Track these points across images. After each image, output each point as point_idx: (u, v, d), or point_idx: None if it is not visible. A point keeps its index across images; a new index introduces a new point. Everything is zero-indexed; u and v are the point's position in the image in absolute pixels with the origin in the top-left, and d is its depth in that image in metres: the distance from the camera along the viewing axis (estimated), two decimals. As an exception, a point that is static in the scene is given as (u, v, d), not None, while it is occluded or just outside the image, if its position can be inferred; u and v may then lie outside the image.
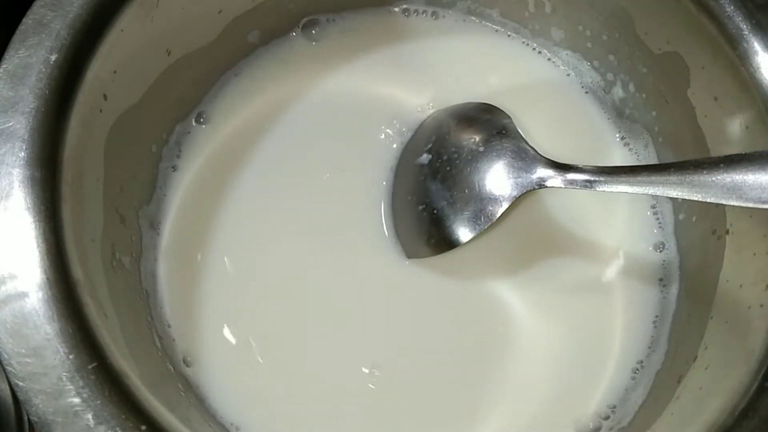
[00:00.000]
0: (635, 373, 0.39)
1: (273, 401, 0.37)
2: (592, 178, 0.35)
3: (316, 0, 0.43)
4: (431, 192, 0.39)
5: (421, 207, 0.40)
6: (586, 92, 0.45)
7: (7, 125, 0.28)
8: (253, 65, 0.43)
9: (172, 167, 0.40)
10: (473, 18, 0.46)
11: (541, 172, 0.37)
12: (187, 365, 0.37)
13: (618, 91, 0.44)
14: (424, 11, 0.45)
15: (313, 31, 0.44)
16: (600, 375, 0.39)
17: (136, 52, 0.34)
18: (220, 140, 0.41)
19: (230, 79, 0.43)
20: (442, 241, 0.39)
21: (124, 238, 0.36)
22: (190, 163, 0.41)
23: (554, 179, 0.36)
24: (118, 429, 0.26)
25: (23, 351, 0.26)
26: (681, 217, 0.41)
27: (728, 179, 0.30)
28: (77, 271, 0.28)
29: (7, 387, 0.35)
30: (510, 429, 0.37)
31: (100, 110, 0.32)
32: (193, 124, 0.42)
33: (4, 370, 0.26)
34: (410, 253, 0.40)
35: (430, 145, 0.41)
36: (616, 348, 0.40)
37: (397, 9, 0.45)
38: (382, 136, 0.42)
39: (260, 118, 0.42)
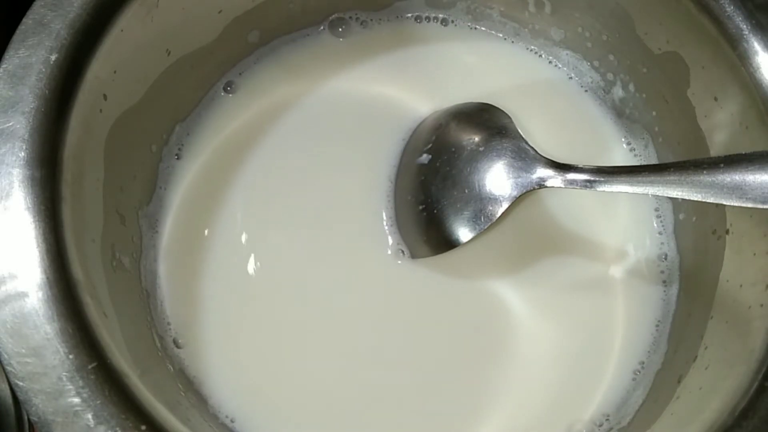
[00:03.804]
0: (636, 374, 0.39)
1: (273, 398, 0.37)
2: (592, 178, 0.35)
3: (317, 0, 0.43)
4: (431, 192, 0.39)
5: (421, 207, 0.40)
6: (586, 92, 0.45)
7: (7, 125, 0.28)
8: (253, 68, 0.43)
9: (172, 167, 0.40)
10: (480, 27, 0.46)
11: (541, 172, 0.37)
12: (187, 364, 0.37)
13: (618, 91, 0.44)
14: (435, 18, 0.45)
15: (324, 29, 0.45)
16: (601, 377, 0.39)
17: (136, 52, 0.34)
18: (222, 140, 0.41)
19: (234, 78, 0.43)
20: (443, 241, 0.39)
21: (124, 238, 0.36)
22: (191, 164, 0.41)
23: (554, 179, 0.36)
24: (118, 429, 0.26)
25: (23, 351, 0.26)
26: (681, 217, 0.41)
27: (728, 179, 0.30)
28: (77, 271, 0.28)
29: (7, 387, 0.35)
30: (508, 430, 0.37)
31: (100, 110, 0.32)
32: (194, 124, 0.41)
33: (4, 370, 0.26)
34: (411, 253, 0.40)
35: (430, 145, 0.41)
36: (617, 349, 0.40)
37: (409, 15, 0.45)
38: (388, 137, 0.42)
39: (264, 118, 0.42)
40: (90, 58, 0.31)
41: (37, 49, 0.30)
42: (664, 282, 0.41)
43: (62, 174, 0.29)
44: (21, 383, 0.26)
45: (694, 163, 0.31)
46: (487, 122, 0.40)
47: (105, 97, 0.32)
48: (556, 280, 0.40)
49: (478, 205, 0.38)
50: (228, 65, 0.43)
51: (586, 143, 0.44)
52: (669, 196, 0.33)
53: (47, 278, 0.27)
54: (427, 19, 0.46)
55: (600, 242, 0.42)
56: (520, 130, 0.39)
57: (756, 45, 0.35)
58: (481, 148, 0.39)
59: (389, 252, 0.40)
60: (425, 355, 0.38)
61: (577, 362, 0.39)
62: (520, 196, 0.37)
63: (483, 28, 0.46)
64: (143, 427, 0.26)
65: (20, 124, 0.28)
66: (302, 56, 0.44)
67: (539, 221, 0.42)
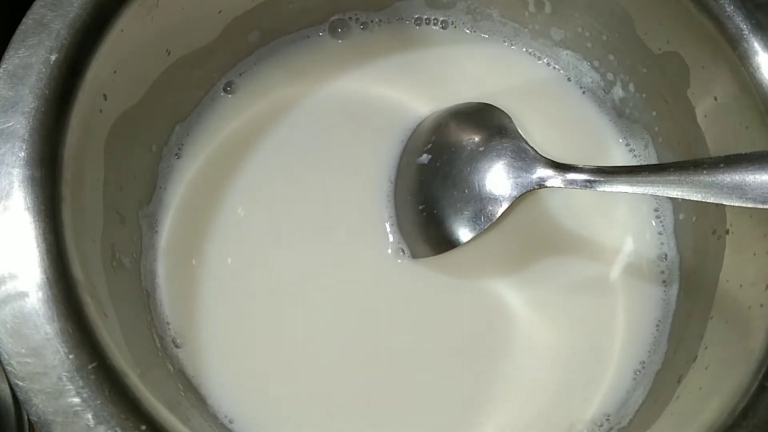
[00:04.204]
0: (636, 374, 0.39)
1: (272, 398, 0.37)
2: (592, 178, 0.35)
3: (317, 1, 0.43)
4: (431, 192, 0.39)
5: (421, 207, 0.40)
6: (586, 93, 0.45)
7: (7, 125, 0.28)
8: (254, 68, 0.43)
9: (172, 167, 0.40)
10: (479, 28, 0.46)
11: (541, 172, 0.37)
12: (186, 364, 0.37)
13: (618, 91, 0.44)
14: (435, 20, 0.45)
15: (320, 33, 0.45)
16: (601, 377, 0.39)
17: (136, 52, 0.34)
18: (222, 140, 0.41)
19: (234, 78, 0.43)
20: (443, 241, 0.39)
21: (124, 238, 0.36)
22: (191, 163, 0.41)
23: (554, 179, 0.36)
24: (118, 429, 0.26)
25: (23, 351, 0.26)
26: (681, 217, 0.41)
27: (728, 179, 0.30)
28: (77, 271, 0.28)
29: (7, 387, 0.35)
30: (508, 430, 0.37)
31: (100, 110, 0.32)
32: (194, 124, 0.42)
33: (4, 370, 0.26)
34: (411, 253, 0.40)
35: (429, 145, 0.41)
36: (617, 349, 0.40)
37: (409, 17, 0.45)
38: (388, 137, 0.42)
39: (264, 118, 0.42)
40: (90, 58, 0.31)
41: (37, 49, 0.30)
42: (664, 282, 0.41)
43: (62, 174, 0.29)
44: (21, 383, 0.26)
45: (694, 163, 0.31)
46: (487, 122, 0.40)
47: (105, 97, 0.32)
48: (556, 280, 0.40)
49: (478, 205, 0.38)
50: (228, 65, 0.43)
51: (585, 143, 0.44)
52: (669, 196, 0.33)
53: (47, 278, 0.27)
54: (427, 21, 0.46)
55: (600, 242, 0.42)
56: (519, 130, 0.39)
57: (756, 45, 0.35)
58: (481, 148, 0.39)
59: (389, 252, 0.40)
60: (425, 354, 0.38)
61: (577, 362, 0.39)
62: (520, 196, 0.37)
63: (483, 30, 0.46)
64: (143, 427, 0.26)
65: (20, 124, 0.28)
66: (302, 57, 0.44)
67: (539, 221, 0.42)
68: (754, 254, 0.34)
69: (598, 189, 0.35)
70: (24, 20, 0.30)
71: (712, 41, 0.36)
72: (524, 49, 0.46)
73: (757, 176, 0.30)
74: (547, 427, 0.38)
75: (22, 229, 0.27)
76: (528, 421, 0.38)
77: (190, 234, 0.39)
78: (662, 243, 0.42)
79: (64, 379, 0.26)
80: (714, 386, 0.32)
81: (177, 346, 0.37)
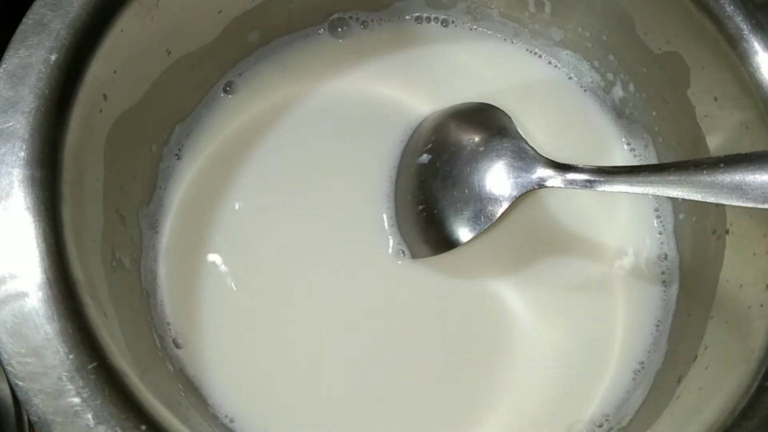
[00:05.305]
0: (636, 374, 0.39)
1: (272, 398, 0.37)
2: (592, 178, 0.35)
3: (317, 0, 0.43)
4: (431, 192, 0.39)
5: (421, 207, 0.40)
6: (586, 92, 0.45)
7: (7, 125, 0.28)
8: (253, 68, 0.43)
9: (173, 167, 0.40)
10: (480, 27, 0.46)
11: (541, 172, 0.37)
12: (187, 364, 0.37)
13: (618, 91, 0.44)
14: (435, 18, 0.45)
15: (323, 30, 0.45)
16: (601, 377, 0.39)
17: (136, 52, 0.34)
18: (221, 140, 0.41)
19: (234, 78, 0.43)
20: (442, 241, 0.39)
21: (124, 238, 0.36)
22: (191, 163, 0.41)
23: (554, 179, 0.36)
24: (118, 429, 0.26)
25: (23, 351, 0.26)
26: (681, 217, 0.41)
27: (728, 179, 0.30)
28: (77, 271, 0.28)
29: (7, 387, 0.35)
30: (508, 430, 0.37)
31: (100, 110, 0.32)
32: (194, 124, 0.41)
33: (4, 370, 0.26)
34: (411, 253, 0.40)
35: (430, 145, 0.41)
36: (617, 349, 0.40)
37: (409, 16, 0.45)
38: (388, 137, 0.42)
39: (264, 118, 0.42)
40: (90, 58, 0.31)
41: (37, 49, 0.30)
42: (664, 282, 0.41)
43: (62, 174, 0.29)
44: (21, 383, 0.26)
45: (694, 163, 0.31)
46: (487, 122, 0.40)
47: (105, 97, 0.32)
48: (556, 280, 0.40)
49: (478, 205, 0.38)
50: (228, 65, 0.43)
51: (586, 143, 0.44)
52: (669, 196, 0.33)
53: (47, 278, 0.27)
54: (428, 19, 0.46)
55: (600, 242, 0.42)
56: (519, 130, 0.39)
57: (756, 45, 0.35)
58: (481, 148, 0.39)
59: (390, 252, 0.40)
60: (425, 354, 0.38)
61: (577, 362, 0.39)
62: (520, 196, 0.37)
63: (483, 29, 0.46)
64: (143, 427, 0.26)
65: (20, 124, 0.28)
66: (302, 57, 0.44)
67: (539, 221, 0.42)
68: (754, 254, 0.34)
69: (598, 189, 0.35)
70: (24, 20, 0.30)
71: (712, 41, 0.36)
72: (525, 48, 0.46)
73: (757, 176, 0.30)
74: (547, 427, 0.38)
75: (22, 229, 0.27)
76: (528, 421, 0.38)
77: (191, 234, 0.39)
78: (662, 243, 0.42)
79: (64, 379, 0.26)
80: (714, 386, 0.32)
81: (177, 347, 0.37)
